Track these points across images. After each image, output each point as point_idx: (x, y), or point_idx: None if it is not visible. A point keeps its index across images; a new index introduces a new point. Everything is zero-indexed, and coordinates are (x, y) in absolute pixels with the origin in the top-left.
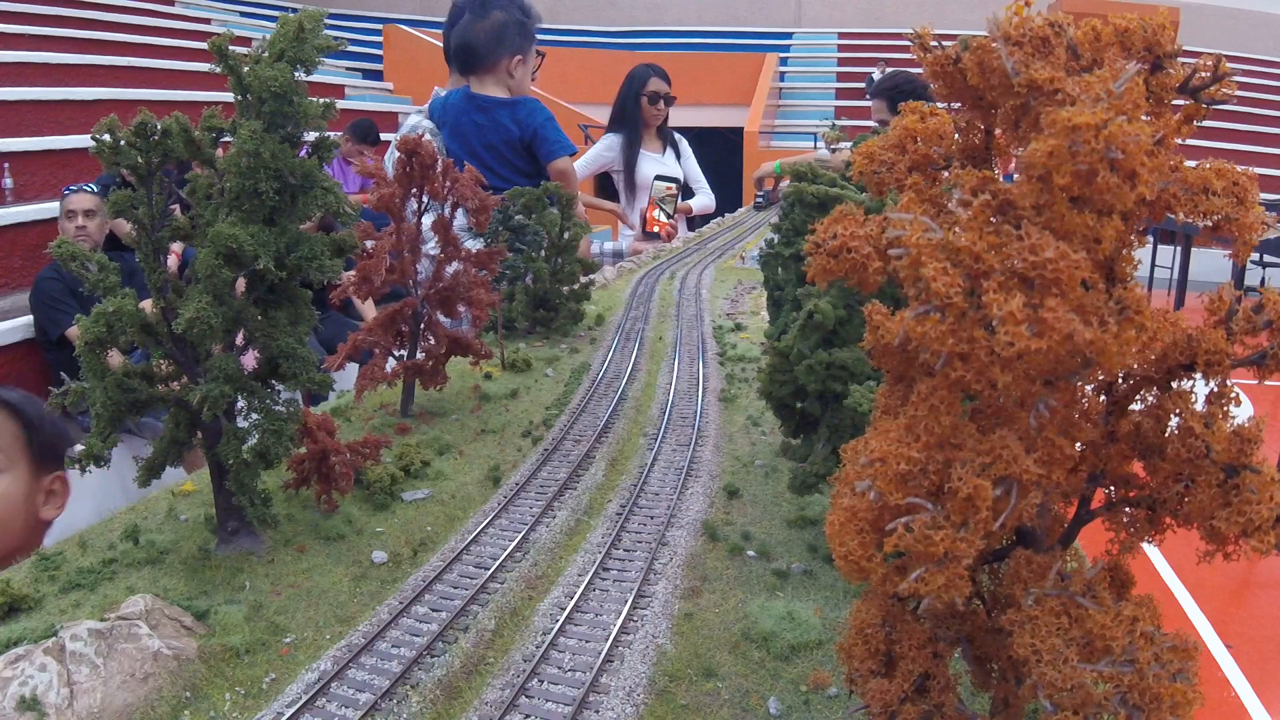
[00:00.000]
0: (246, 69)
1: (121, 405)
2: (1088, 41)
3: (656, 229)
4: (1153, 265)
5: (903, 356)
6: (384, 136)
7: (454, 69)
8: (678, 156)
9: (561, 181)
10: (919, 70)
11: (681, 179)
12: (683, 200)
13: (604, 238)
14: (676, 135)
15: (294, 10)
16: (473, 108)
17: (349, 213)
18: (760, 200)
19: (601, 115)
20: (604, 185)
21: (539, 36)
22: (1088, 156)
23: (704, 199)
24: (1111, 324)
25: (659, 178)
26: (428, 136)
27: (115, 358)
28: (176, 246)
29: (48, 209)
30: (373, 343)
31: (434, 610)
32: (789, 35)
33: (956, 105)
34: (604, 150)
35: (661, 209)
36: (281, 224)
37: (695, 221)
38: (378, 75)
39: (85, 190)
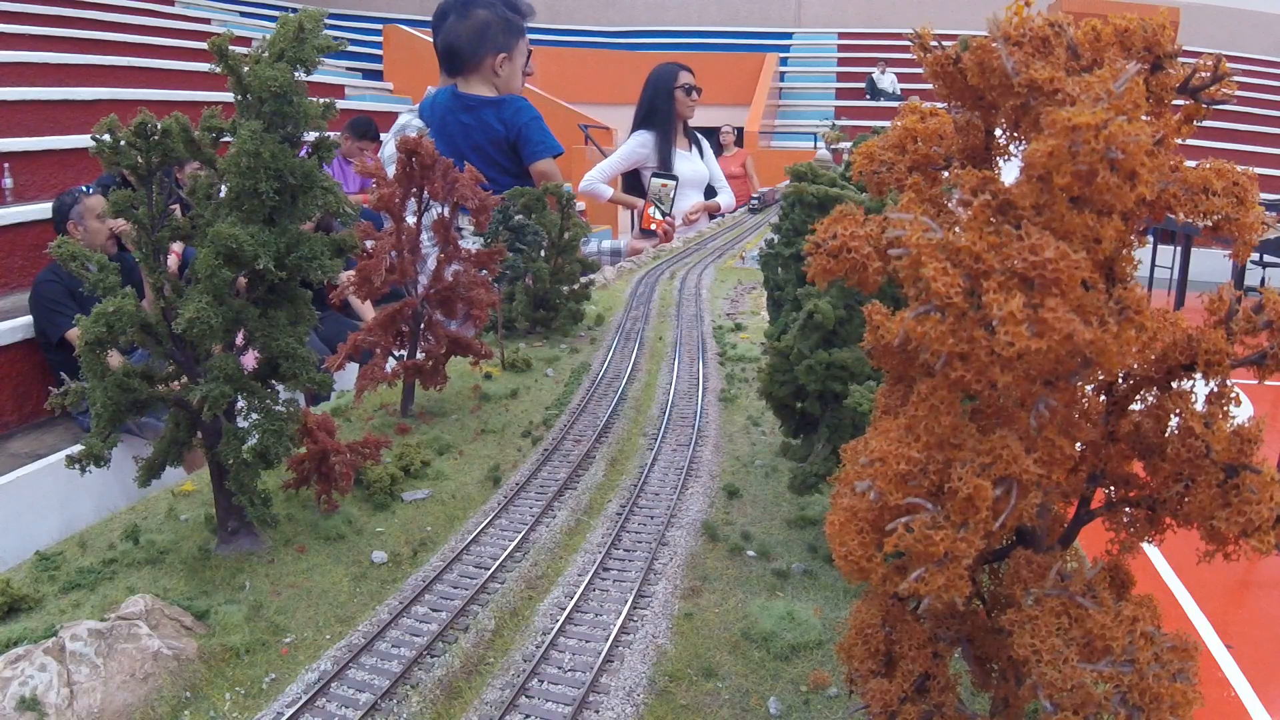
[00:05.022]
0: (246, 69)
1: (121, 405)
2: (1088, 41)
3: (653, 226)
4: (1153, 265)
5: (903, 356)
6: (383, 136)
7: (442, 70)
8: (701, 154)
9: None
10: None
11: (708, 177)
12: (707, 199)
13: (603, 236)
14: (698, 134)
15: (294, 10)
16: (459, 107)
17: (349, 213)
18: (755, 201)
19: (601, 115)
20: (628, 182)
21: (537, 36)
22: (1088, 156)
23: (727, 197)
24: (1111, 324)
25: (656, 175)
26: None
27: (115, 358)
28: (176, 246)
29: (48, 209)
30: (373, 343)
31: (434, 610)
32: (789, 35)
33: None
34: (637, 147)
35: (658, 207)
36: (281, 224)
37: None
38: (378, 75)
39: (99, 191)
